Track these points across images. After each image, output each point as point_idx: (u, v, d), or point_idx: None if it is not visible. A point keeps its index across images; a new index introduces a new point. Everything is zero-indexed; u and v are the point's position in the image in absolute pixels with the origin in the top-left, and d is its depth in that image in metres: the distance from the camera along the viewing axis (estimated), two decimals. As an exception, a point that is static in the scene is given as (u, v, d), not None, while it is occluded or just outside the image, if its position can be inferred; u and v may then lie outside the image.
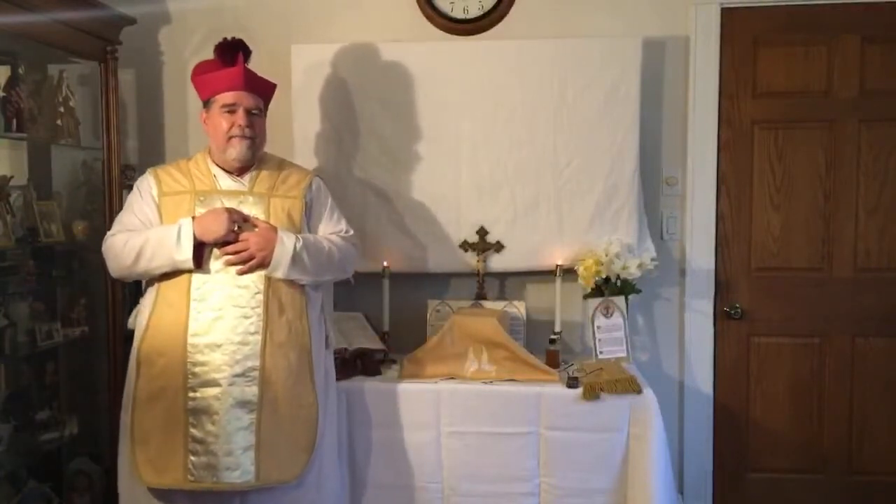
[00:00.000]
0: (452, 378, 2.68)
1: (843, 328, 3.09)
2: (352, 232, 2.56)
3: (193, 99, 3.22)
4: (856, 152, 3.05)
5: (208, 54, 3.19)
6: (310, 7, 3.18)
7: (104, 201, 2.94)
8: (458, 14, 3.10)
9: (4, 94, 2.63)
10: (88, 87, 3.01)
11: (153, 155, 3.26)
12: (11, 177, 2.69)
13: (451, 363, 2.71)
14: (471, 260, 3.02)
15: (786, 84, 3.07)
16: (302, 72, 3.03)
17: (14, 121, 2.64)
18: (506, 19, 3.11)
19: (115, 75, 2.94)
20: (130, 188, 3.10)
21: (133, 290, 3.08)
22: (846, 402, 3.10)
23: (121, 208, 2.96)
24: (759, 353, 3.13)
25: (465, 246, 3.02)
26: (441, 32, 3.13)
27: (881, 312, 3.07)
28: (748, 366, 3.14)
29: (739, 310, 3.11)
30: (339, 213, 2.56)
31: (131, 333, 3.00)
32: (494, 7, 3.09)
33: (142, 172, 3.20)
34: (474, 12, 3.10)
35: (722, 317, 3.13)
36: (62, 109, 2.90)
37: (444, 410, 2.60)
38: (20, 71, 2.75)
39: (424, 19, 3.12)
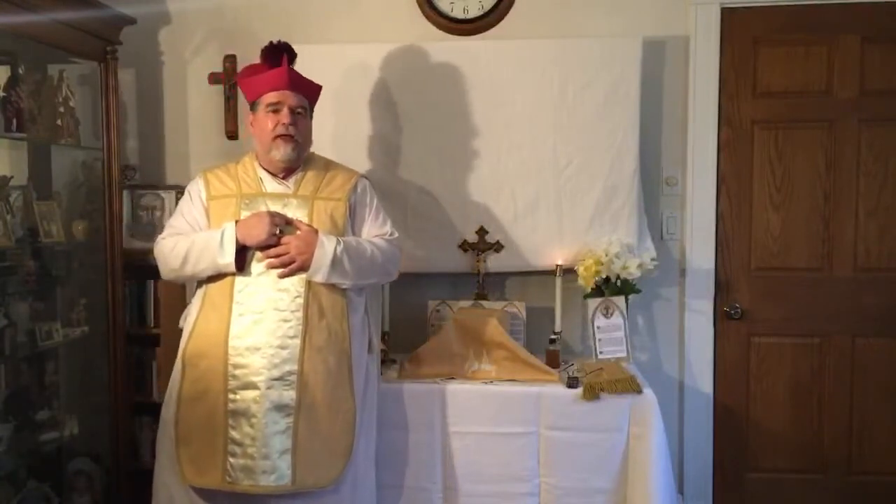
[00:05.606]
0: (452, 378, 2.68)
1: (843, 328, 3.09)
2: (396, 234, 2.55)
3: (193, 99, 3.26)
4: (856, 152, 3.05)
5: (208, 54, 3.23)
6: (310, 7, 3.18)
7: (104, 201, 2.93)
8: (458, 14, 3.10)
9: (4, 94, 2.62)
10: (88, 87, 3.00)
11: (153, 155, 3.27)
12: (11, 177, 2.69)
13: (451, 363, 2.72)
14: (471, 260, 3.03)
15: (786, 84, 3.07)
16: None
17: (14, 121, 2.64)
18: (506, 19, 3.11)
19: (115, 75, 2.94)
20: (131, 188, 3.13)
21: (134, 290, 3.10)
22: (846, 402, 3.10)
23: (121, 208, 2.99)
24: (759, 353, 3.13)
25: (465, 246, 3.02)
26: (441, 32, 3.13)
27: (881, 312, 3.07)
28: (748, 366, 3.14)
29: (739, 310, 3.11)
30: (384, 215, 2.55)
31: (133, 333, 3.04)
32: (494, 7, 3.09)
33: (142, 172, 3.25)
34: (474, 12, 3.10)
35: (722, 317, 3.13)
36: (62, 109, 2.89)
37: (445, 410, 2.60)
38: (20, 71, 2.74)
39: (424, 19, 3.12)
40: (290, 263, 2.30)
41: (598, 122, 2.97)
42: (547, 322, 2.96)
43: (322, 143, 2.84)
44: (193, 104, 3.25)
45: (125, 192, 3.08)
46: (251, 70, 2.48)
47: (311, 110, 2.49)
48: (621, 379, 2.58)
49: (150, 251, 2.52)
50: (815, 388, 3.11)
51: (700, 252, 3.10)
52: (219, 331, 2.29)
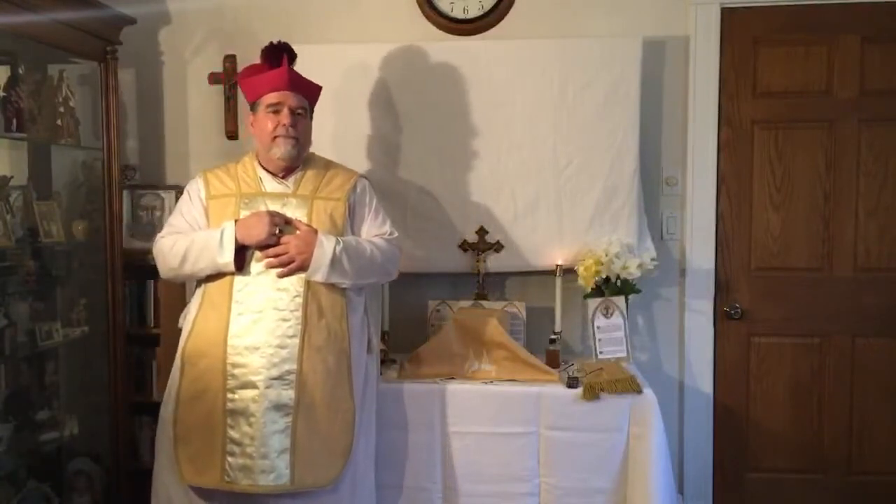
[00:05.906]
0: (452, 378, 2.68)
1: (843, 328, 3.09)
2: (396, 234, 2.55)
3: (193, 99, 3.25)
4: (856, 152, 3.05)
5: (208, 54, 3.23)
6: (310, 7, 3.18)
7: (104, 201, 2.93)
8: (458, 14, 3.10)
9: (4, 94, 2.62)
10: (88, 87, 3.01)
11: (153, 155, 3.27)
12: (11, 177, 2.69)
13: (451, 363, 2.72)
14: (471, 260, 3.03)
15: (786, 84, 3.07)
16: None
17: (14, 121, 2.64)
18: (506, 19, 3.11)
19: (115, 75, 2.94)
20: (131, 188, 3.13)
21: (134, 290, 3.10)
22: (846, 402, 3.10)
23: (121, 208, 2.99)
24: (759, 353, 3.13)
25: (465, 246, 3.02)
26: (441, 32, 3.13)
27: (881, 312, 3.06)
28: (748, 366, 3.14)
29: (739, 310, 3.11)
30: (384, 215, 2.55)
31: (133, 333, 3.04)
32: (494, 7, 3.09)
33: (142, 172, 3.25)
34: (474, 12, 3.10)
35: (722, 317, 3.12)
36: (62, 109, 2.89)
37: (445, 410, 2.60)
38: (20, 71, 2.74)
39: (424, 19, 3.12)
40: (289, 263, 2.30)
41: (598, 122, 2.97)
42: (547, 322, 2.96)
43: (322, 143, 2.85)
44: (193, 104, 3.25)
45: (125, 192, 3.08)
46: (251, 70, 2.49)
47: (312, 111, 2.50)
48: (621, 379, 2.58)
49: (150, 251, 2.52)
50: (815, 388, 3.11)
51: (700, 252, 3.10)
52: (218, 330, 2.29)
